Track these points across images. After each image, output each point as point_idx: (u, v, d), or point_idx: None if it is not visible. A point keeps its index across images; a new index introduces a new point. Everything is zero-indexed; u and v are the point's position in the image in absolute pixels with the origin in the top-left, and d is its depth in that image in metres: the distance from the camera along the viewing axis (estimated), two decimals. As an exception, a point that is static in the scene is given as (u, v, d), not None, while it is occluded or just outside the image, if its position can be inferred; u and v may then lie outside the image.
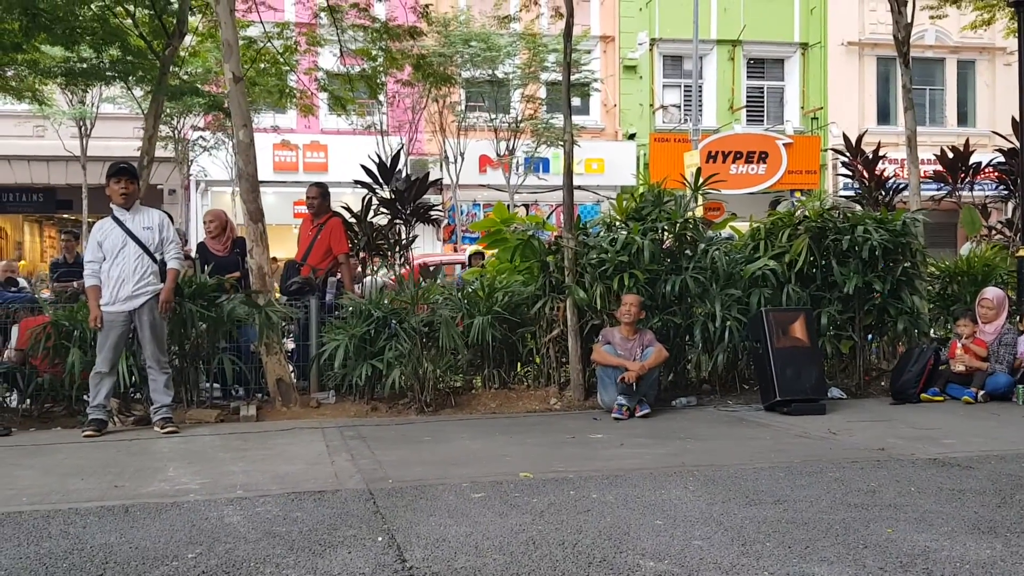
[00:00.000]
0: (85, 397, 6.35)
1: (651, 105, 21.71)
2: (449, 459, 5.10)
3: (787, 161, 21.19)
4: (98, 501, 4.11)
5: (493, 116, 18.97)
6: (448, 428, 6.21)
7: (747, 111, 22.19)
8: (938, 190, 11.17)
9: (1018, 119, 9.07)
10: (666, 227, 7.47)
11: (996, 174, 10.70)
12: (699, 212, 8.44)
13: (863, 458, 4.92)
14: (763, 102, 22.59)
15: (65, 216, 21.24)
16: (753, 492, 4.11)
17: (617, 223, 7.62)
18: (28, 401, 6.81)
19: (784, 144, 21.28)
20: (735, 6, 21.67)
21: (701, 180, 7.98)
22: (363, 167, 9.45)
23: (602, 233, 7.59)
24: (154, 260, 6.15)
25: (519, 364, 7.65)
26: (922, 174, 10.34)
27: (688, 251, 7.51)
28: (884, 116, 22.40)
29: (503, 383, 7.42)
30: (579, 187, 7.91)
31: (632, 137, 21.41)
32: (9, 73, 11.74)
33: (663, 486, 4.24)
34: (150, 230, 6.15)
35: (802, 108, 22.39)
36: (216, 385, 7.28)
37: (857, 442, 5.48)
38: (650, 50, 21.53)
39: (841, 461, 4.82)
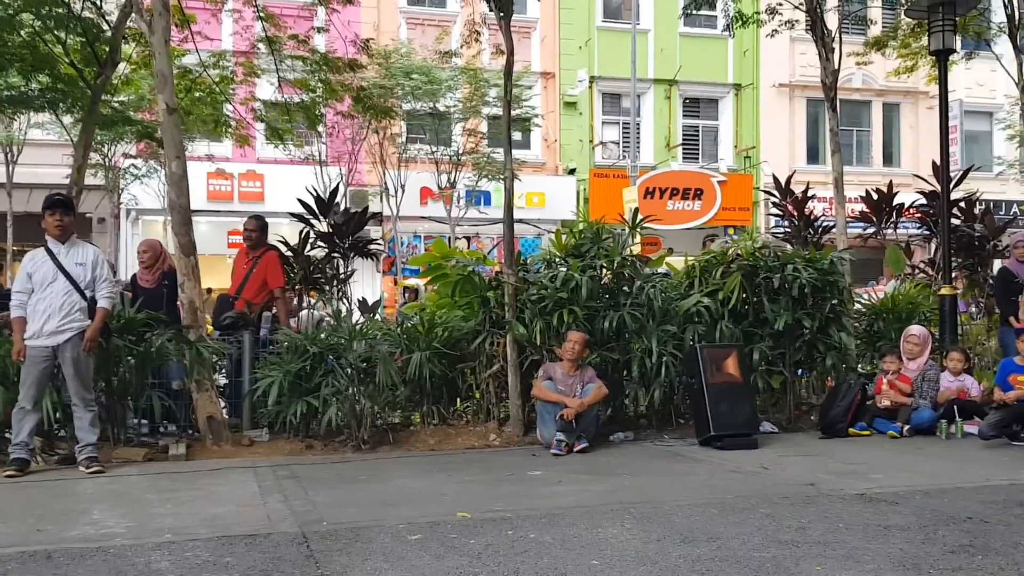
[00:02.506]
0: (7, 435, 6.11)
1: (591, 141, 22.03)
2: (386, 499, 5.04)
3: (721, 198, 21.67)
4: (19, 546, 3.95)
5: (434, 149, 19.01)
6: (385, 466, 6.14)
7: (683, 149, 22.68)
8: (864, 229, 11.54)
9: (938, 162, 9.44)
10: (604, 264, 7.55)
11: (918, 215, 11.10)
12: (637, 248, 8.56)
13: (793, 494, 5.01)
14: (698, 140, 23.12)
15: (-12, 244, 20.51)
16: (688, 530, 4.15)
17: (557, 259, 7.69)
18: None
19: (718, 181, 21.78)
20: (671, 47, 22.21)
21: (639, 218, 8.12)
22: (300, 200, 9.38)
23: (542, 269, 7.65)
24: (83, 297, 5.98)
25: (459, 400, 7.61)
26: (849, 212, 10.69)
27: (626, 287, 7.60)
28: (813, 155, 23.10)
29: (442, 419, 7.38)
30: (520, 221, 7.97)
31: (572, 172, 21.67)
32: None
33: (600, 524, 4.26)
34: (83, 266, 6.00)
35: (735, 147, 22.98)
36: (144, 422, 7.09)
37: (788, 477, 5.59)
38: (589, 87, 21.88)
39: (772, 497, 4.90)
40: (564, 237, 7.94)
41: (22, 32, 9.56)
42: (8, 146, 16.96)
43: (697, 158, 22.86)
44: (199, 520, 4.46)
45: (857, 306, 8.67)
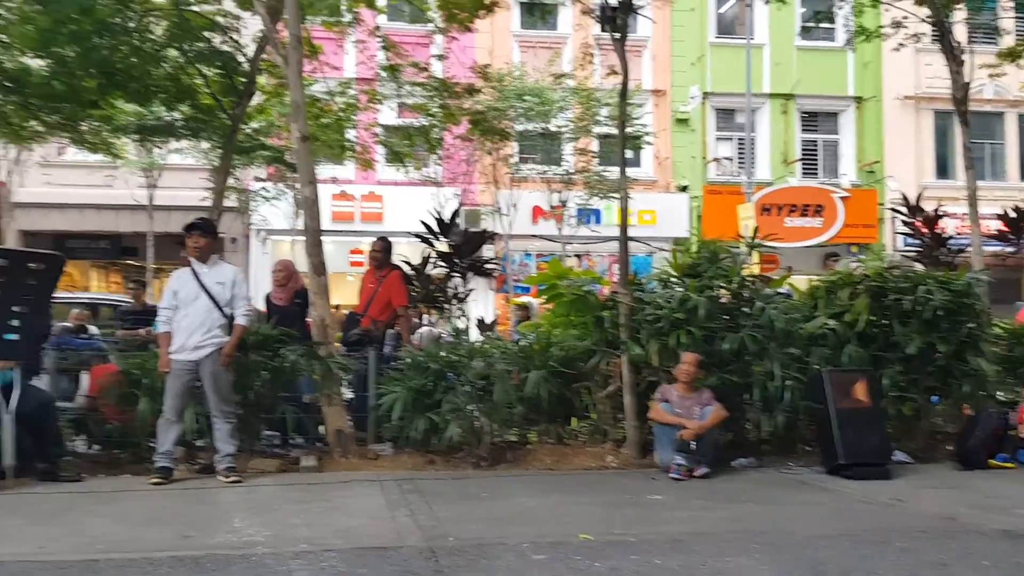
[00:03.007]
0: (152, 444, 6.51)
1: (703, 158, 21.76)
2: (507, 517, 5.12)
3: (844, 214, 20.98)
4: (170, 551, 4.22)
5: (545, 168, 19.18)
6: (504, 484, 6.24)
7: (801, 164, 22.11)
8: (1002, 248, 10.97)
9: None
10: (722, 284, 7.46)
11: (1061, 232, 10.51)
12: (755, 268, 8.42)
13: (932, 528, 4.82)
14: (817, 155, 22.49)
15: (130, 263, 21.84)
16: (819, 562, 4.06)
17: (673, 279, 7.64)
18: (98, 447, 7.01)
19: (840, 197, 21.11)
20: (787, 60, 21.73)
21: (757, 237, 7.99)
22: (422, 222, 9.65)
23: (658, 289, 7.62)
24: (223, 314, 6.35)
25: (575, 419, 7.65)
26: (984, 230, 10.18)
27: (745, 308, 7.47)
28: (943, 169, 22.10)
29: (559, 439, 7.42)
30: (632, 239, 7.95)
31: (684, 189, 21.45)
32: (84, 127, 12.24)
33: (726, 552, 4.22)
34: (223, 285, 6.37)
35: (858, 161, 22.24)
36: (276, 434, 7.42)
37: (925, 510, 5.37)
38: (702, 103, 21.65)
39: (909, 531, 4.73)
40: (680, 256, 7.89)
41: (166, 65, 10.22)
42: (150, 170, 18.06)
43: (816, 174, 22.23)
44: (332, 531, 4.65)
45: (996, 330, 8.24)
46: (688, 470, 6.39)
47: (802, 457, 7.18)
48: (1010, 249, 10.68)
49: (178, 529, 4.73)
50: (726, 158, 22.14)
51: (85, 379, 7.80)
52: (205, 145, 13.62)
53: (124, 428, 6.83)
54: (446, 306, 9.46)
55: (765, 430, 7.25)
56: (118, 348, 8.21)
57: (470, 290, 9.74)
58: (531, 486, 6.17)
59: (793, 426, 7.33)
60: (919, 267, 8.96)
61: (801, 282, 8.32)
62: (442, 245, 9.62)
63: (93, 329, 10.18)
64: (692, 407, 6.64)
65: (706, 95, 21.68)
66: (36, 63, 10.02)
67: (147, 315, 9.60)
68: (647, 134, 19.95)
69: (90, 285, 22.96)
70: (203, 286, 6.34)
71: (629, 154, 19.65)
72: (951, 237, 10.72)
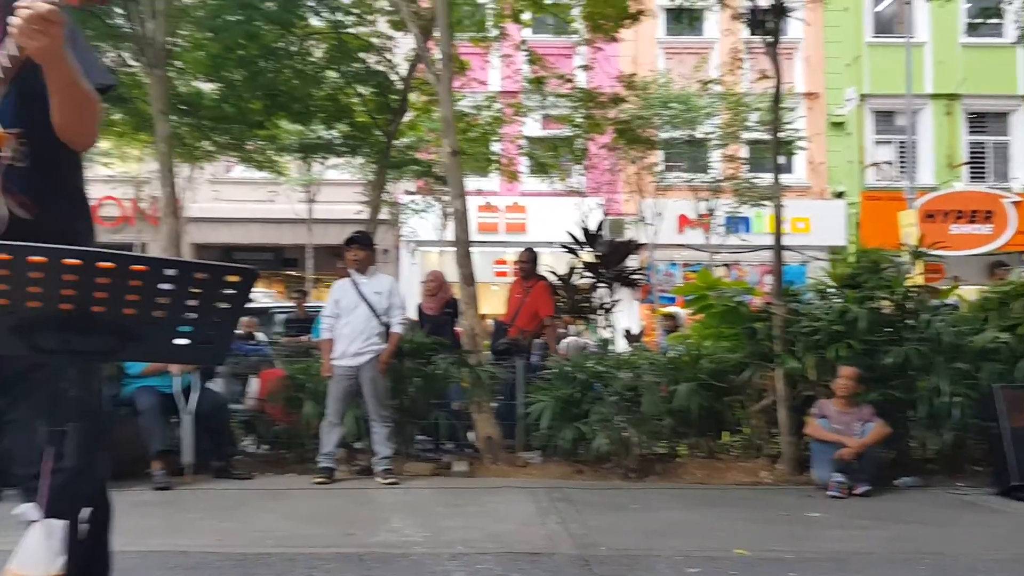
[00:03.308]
0: (315, 444, 6.87)
1: (860, 162, 20.84)
2: (658, 529, 5.09)
3: (1016, 220, 19.59)
4: (335, 547, 4.44)
5: (692, 176, 18.89)
6: (654, 496, 6.19)
7: (969, 168, 20.80)
8: None
9: None
10: (884, 295, 7.13)
11: None
12: (919, 278, 8.01)
13: (1121, 557, 4.46)
14: (986, 158, 21.10)
15: (290, 273, 23.06)
16: (993, 588, 3.83)
17: (830, 290, 7.38)
18: (266, 448, 7.46)
19: (1012, 202, 19.72)
20: (951, 59, 20.52)
21: (922, 244, 7.61)
22: (568, 232, 9.73)
23: (814, 300, 7.38)
24: (380, 322, 6.63)
25: (726, 433, 7.50)
26: None
27: (909, 320, 7.12)
28: None
29: (710, 452, 7.30)
30: (785, 247, 7.75)
31: (840, 195, 20.61)
32: (250, 146, 13.07)
33: (889, 574, 4.04)
34: (380, 295, 6.66)
35: (1030, 163, 20.71)
36: (428, 439, 7.66)
37: (1112, 537, 4.97)
38: (859, 106, 20.76)
39: (1093, 558, 4.40)
40: (838, 266, 7.61)
41: (325, 87, 10.80)
42: (309, 186, 19.05)
43: (984, 177, 20.86)
44: (486, 535, 4.76)
45: None
46: (847, 488, 6.14)
47: (971, 478, 6.75)
48: None
49: (341, 527, 4.97)
50: (886, 162, 21.11)
51: (254, 383, 8.33)
52: (360, 160, 14.25)
53: (289, 429, 7.25)
54: (592, 316, 9.48)
55: (931, 448, 6.89)
56: (283, 354, 8.72)
57: (616, 300, 9.73)
58: (682, 499, 6.10)
59: (961, 445, 6.93)
60: (1106, 276, 8.26)
61: (969, 293, 7.85)
62: (587, 255, 9.66)
63: (260, 336, 10.83)
64: (852, 423, 6.38)
65: (863, 97, 20.78)
66: (207, 87, 10.82)
67: (308, 323, 10.15)
68: (800, 139, 19.32)
69: (254, 295, 24.39)
70: (362, 296, 6.64)
71: (782, 160, 19.12)
72: None
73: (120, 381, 6.43)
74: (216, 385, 7.33)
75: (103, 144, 13.70)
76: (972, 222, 19.64)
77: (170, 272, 1.61)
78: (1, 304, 1.53)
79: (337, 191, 19.04)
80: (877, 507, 5.81)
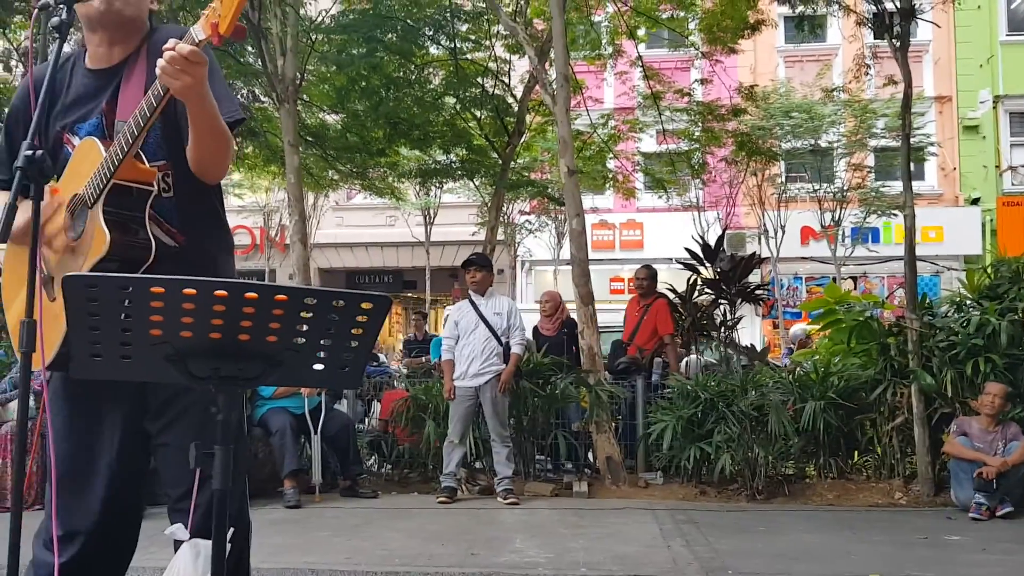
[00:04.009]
0: (437, 464, 7.00)
1: (996, 167, 19.72)
2: (787, 552, 4.94)
3: None
4: (459, 567, 4.51)
5: (816, 187, 18.32)
6: (782, 518, 6.01)
7: (1118, 167, 19.39)
8: None
9: None
10: (1027, 306, 6.73)
11: None
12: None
13: None
14: None
15: (410, 295, 23.65)
16: None
17: (968, 302, 7.02)
18: (389, 467, 7.65)
19: None
20: (1096, 53, 19.23)
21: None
22: (687, 248, 9.59)
23: (951, 313, 7.04)
24: (499, 342, 6.71)
25: (856, 453, 7.22)
26: None
27: (1055, 333, 6.69)
28: None
29: (840, 473, 7.03)
30: (919, 258, 7.43)
31: (975, 202, 19.55)
32: (372, 174, 13.52)
33: (1042, 604, 3.79)
34: (500, 315, 6.74)
35: None
36: (548, 458, 7.67)
37: None
38: (993, 108, 19.67)
39: None
40: (976, 276, 7.23)
41: (444, 112, 11.07)
42: (426, 210, 19.51)
43: None
44: (610, 557, 4.74)
45: None
46: (989, 510, 5.81)
47: None
48: None
49: (465, 546, 5.03)
50: (1023, 166, 19.90)
51: (377, 404, 8.57)
52: (476, 183, 14.51)
53: (412, 449, 7.41)
54: (714, 334, 9.28)
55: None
56: (405, 375, 8.94)
57: (739, 317, 9.49)
58: (812, 521, 5.90)
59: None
60: None
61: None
62: (708, 271, 9.47)
63: (381, 357, 11.13)
64: (995, 442, 6.05)
65: (998, 99, 19.68)
66: (332, 118, 11.27)
67: (426, 343, 10.37)
68: (931, 144, 18.47)
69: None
70: (482, 316, 6.74)
71: (912, 167, 18.32)
72: None
73: (254, 402, 6.74)
74: (342, 406, 7.58)
75: (235, 175, 14.46)
76: (1123, 225, 18.26)
77: (310, 301, 1.70)
78: (156, 335, 1.65)
79: (454, 213, 19.44)
80: (1022, 530, 5.46)
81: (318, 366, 1.83)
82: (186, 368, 1.68)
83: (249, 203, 19.63)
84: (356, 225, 21.39)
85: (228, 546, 1.75)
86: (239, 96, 10.11)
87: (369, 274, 22.73)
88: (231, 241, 2.48)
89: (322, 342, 1.78)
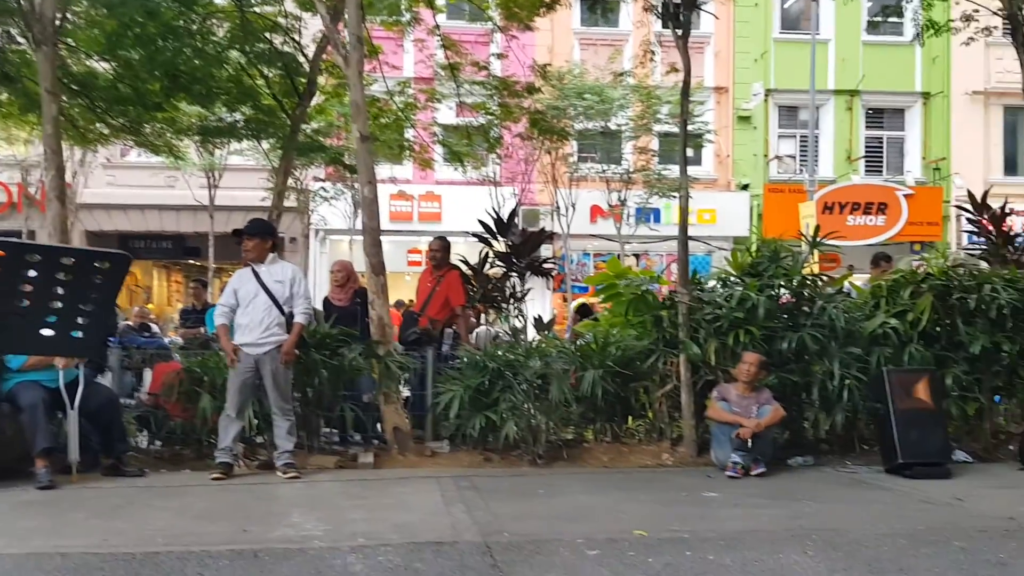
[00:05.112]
0: (213, 440, 6.66)
1: (765, 155, 21.44)
2: (563, 514, 5.12)
3: (908, 212, 20.49)
4: (229, 544, 4.31)
5: (605, 167, 19.10)
6: (561, 481, 6.24)
7: (865, 161, 21.63)
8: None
9: None
10: (783, 283, 7.35)
11: None
12: (815, 266, 8.28)
13: (991, 527, 4.70)
14: (882, 152, 21.98)
15: (192, 262, 22.39)
16: (875, 560, 3.99)
17: (732, 278, 7.56)
18: (159, 443, 7.19)
19: (904, 195, 20.61)
20: (853, 56, 21.28)
21: (819, 234, 7.86)
22: (480, 221, 9.68)
23: (717, 288, 7.55)
24: (282, 312, 6.45)
25: (631, 418, 7.62)
26: (1055, 228, 9.84)
27: (806, 307, 7.36)
28: (1012, 167, 21.43)
29: (615, 437, 7.41)
30: (691, 238, 7.91)
31: (745, 188, 21.17)
32: (148, 130, 12.56)
33: (781, 550, 4.16)
34: (282, 284, 6.47)
35: (924, 158, 21.68)
36: (334, 431, 7.52)
37: (985, 510, 5.23)
38: (765, 100, 21.32)
39: (968, 530, 4.62)
40: (740, 255, 7.80)
41: (228, 68, 10.43)
42: (210, 172, 18.48)
43: (881, 171, 21.74)
44: (389, 526, 4.71)
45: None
46: (745, 468, 6.33)
47: (861, 456, 7.05)
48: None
49: (237, 523, 4.83)
50: (788, 156, 21.77)
51: (148, 377, 8.03)
52: (265, 146, 13.89)
53: (186, 425, 6.99)
54: (504, 305, 9.47)
55: (824, 429, 7.14)
56: (180, 347, 8.42)
57: (528, 289, 9.73)
58: (588, 483, 6.17)
59: (852, 425, 7.22)
60: (984, 265, 8.68)
61: (863, 281, 8.15)
62: (500, 245, 9.63)
63: (154, 327, 10.46)
64: (751, 406, 6.58)
65: (769, 92, 21.36)
66: (102, 67, 10.34)
67: (204, 313, 9.86)
68: (708, 132, 19.73)
69: (153, 284, 23.60)
70: (262, 284, 6.44)
71: (689, 152, 19.50)
72: (1019, 235, 10.35)
73: (1, 375, 6.08)
74: (106, 379, 7.03)
75: (-12, 125, 13.01)
76: (867, 214, 20.45)
77: (32, 258, 1.51)
78: None
79: (241, 177, 18.56)
80: (772, 486, 6.01)
81: (47, 331, 1.64)
82: None
83: (5, 156, 17.78)
84: (131, 185, 19.90)
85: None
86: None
87: (146, 238, 21.25)
88: None
89: (51, 305, 1.59)
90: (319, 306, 8.30)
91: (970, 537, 4.45)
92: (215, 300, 10.00)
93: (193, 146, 15.83)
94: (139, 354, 8.02)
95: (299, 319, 6.51)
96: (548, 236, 10.54)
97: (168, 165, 16.72)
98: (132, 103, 10.17)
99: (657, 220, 19.76)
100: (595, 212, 20.27)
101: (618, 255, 17.79)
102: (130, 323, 10.40)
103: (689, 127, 8.57)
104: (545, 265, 10.10)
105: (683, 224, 7.59)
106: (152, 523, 4.85)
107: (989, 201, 10.41)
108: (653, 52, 10.22)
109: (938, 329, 7.18)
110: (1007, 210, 10.31)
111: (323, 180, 18.71)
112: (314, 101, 11.54)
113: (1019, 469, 6.69)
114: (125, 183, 19.93)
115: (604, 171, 19.07)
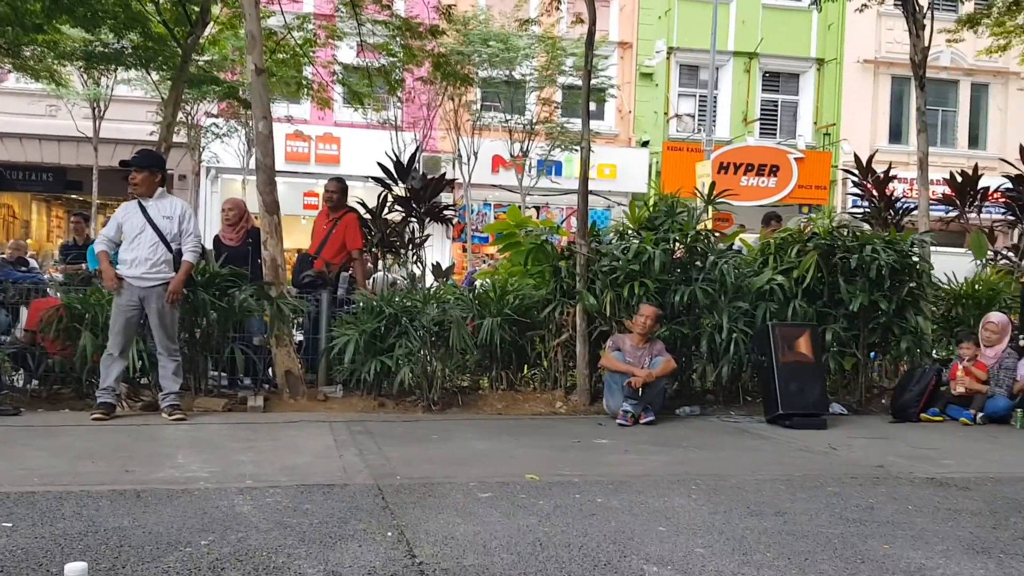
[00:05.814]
0: (95, 380, 6.40)
1: (665, 113, 21.77)
2: (456, 458, 5.16)
3: (798, 175, 21.27)
4: (110, 485, 4.17)
5: (508, 117, 19.02)
6: (455, 427, 6.28)
7: (760, 124, 22.26)
8: (947, 212, 11.24)
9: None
10: (678, 238, 7.53)
11: (1003, 199, 10.76)
12: (709, 224, 8.50)
13: (862, 474, 4.98)
14: (777, 115, 22.65)
15: (74, 197, 21.30)
16: (754, 503, 4.18)
17: (630, 232, 7.69)
18: (36, 382, 6.86)
19: (795, 158, 21.35)
20: (753, 19, 21.73)
21: (714, 192, 8.05)
22: (379, 164, 9.52)
23: (614, 241, 7.66)
24: (169, 249, 6.19)
25: (526, 366, 7.71)
26: (932, 194, 10.39)
27: (698, 262, 7.57)
28: (896, 135, 22.45)
29: (510, 385, 7.48)
30: (591, 192, 7.98)
31: (645, 144, 21.48)
32: (27, 53, 11.78)
33: (667, 493, 4.31)
34: (169, 219, 6.19)
35: (815, 123, 22.46)
36: (224, 374, 7.34)
37: (856, 458, 5.55)
38: (667, 58, 21.59)
39: (841, 476, 4.89)
40: (638, 210, 7.92)
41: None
42: (95, 102, 17.51)
43: (775, 134, 22.42)
44: (278, 468, 4.64)
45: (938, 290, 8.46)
46: (635, 417, 6.51)
47: (745, 407, 7.36)
48: (954, 213, 10.91)
49: (119, 464, 4.67)
50: (687, 114, 22.17)
51: (24, 313, 7.61)
52: (155, 76, 13.23)
53: (65, 363, 6.70)
54: (402, 251, 9.38)
55: (710, 380, 7.40)
56: (60, 283, 8.02)
57: (427, 236, 9.66)
58: (481, 429, 6.22)
59: (738, 377, 7.51)
60: (867, 227, 9.10)
61: (754, 240, 8.42)
62: (400, 189, 9.50)
63: (32, 262, 9.93)
64: (644, 357, 6.74)
65: (671, 50, 21.62)
66: (-23, -17, 9.57)
67: (86, 248, 9.41)
68: (612, 87, 19.86)
69: (31, 218, 22.37)
70: (149, 219, 6.16)
71: (592, 107, 19.62)
72: (900, 199, 10.90)
73: None
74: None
75: None
76: (760, 175, 21.12)
77: None
78: None
79: (128, 108, 17.70)
80: (660, 434, 6.20)
81: None
82: None
83: None
84: (8, 112, 18.69)
85: None
86: None
87: (24, 170, 20.09)
88: None
89: None
90: (209, 245, 8.02)
91: (843, 483, 4.71)
92: (97, 236, 9.55)
93: (77, 73, 14.94)
94: (15, 289, 7.58)
95: (188, 257, 6.26)
96: (449, 183, 10.47)
97: (49, 93, 15.76)
98: (10, 23, 9.45)
99: (559, 173, 19.89)
100: (497, 162, 20.23)
101: (519, 206, 17.87)
102: (5, 256, 9.82)
103: (593, 81, 8.60)
104: (445, 212, 10.04)
105: (583, 177, 7.64)
106: (28, 462, 4.64)
107: (874, 166, 10.90)
108: (559, 1, 10.15)
109: (821, 286, 7.49)
110: (890, 175, 10.83)
111: (216, 116, 17.99)
112: (208, 31, 11.02)
113: (890, 422, 7.11)
114: (2, 110, 18.69)
115: (507, 121, 19.01)
